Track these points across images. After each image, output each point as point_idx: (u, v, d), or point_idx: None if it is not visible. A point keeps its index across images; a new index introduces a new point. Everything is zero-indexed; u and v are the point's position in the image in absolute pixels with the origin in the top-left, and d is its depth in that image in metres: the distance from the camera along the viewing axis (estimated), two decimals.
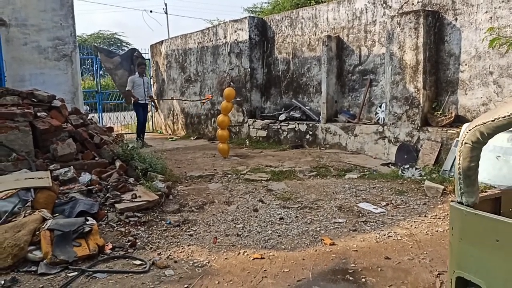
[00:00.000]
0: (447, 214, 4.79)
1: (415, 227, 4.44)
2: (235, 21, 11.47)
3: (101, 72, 15.62)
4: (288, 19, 10.51)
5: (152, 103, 12.25)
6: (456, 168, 1.68)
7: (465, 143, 1.61)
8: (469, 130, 1.60)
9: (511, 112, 1.45)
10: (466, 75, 7.08)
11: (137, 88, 10.96)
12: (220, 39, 11.97)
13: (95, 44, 29.90)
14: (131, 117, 15.25)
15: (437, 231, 4.33)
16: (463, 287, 1.68)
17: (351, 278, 3.31)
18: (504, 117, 1.46)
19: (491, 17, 6.63)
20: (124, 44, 38.49)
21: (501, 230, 1.52)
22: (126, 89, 10.95)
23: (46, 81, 7.98)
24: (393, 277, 3.31)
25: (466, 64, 7.08)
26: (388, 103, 7.89)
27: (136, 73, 11.34)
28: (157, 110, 13.98)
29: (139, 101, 11.02)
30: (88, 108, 14.38)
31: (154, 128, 15.78)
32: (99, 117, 14.15)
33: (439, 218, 4.73)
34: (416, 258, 3.65)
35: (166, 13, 35.55)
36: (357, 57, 9.02)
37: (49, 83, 7.90)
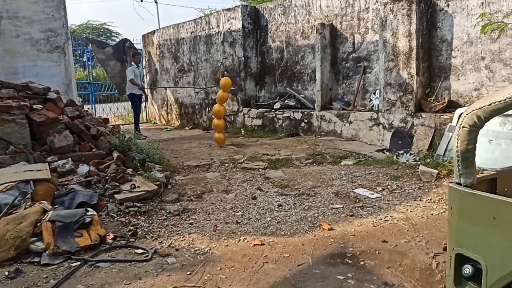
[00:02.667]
0: (442, 198, 4.90)
1: (410, 211, 4.53)
2: (228, 9, 11.43)
3: (90, 63, 15.47)
4: (281, 7, 10.49)
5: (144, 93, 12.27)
6: (454, 151, 1.75)
7: (463, 126, 1.68)
8: (467, 114, 1.67)
9: (507, 96, 1.51)
10: (459, 61, 7.15)
11: (136, 79, 11.02)
12: (213, 28, 11.93)
13: (85, 34, 29.61)
14: (124, 108, 15.21)
15: (432, 214, 4.42)
16: (462, 263, 1.76)
17: (350, 262, 3.39)
18: (500, 101, 1.53)
19: (482, 3, 6.69)
20: (113, 34, 38.12)
21: (498, 208, 1.60)
22: (129, 78, 10.91)
23: (39, 73, 7.92)
24: (390, 260, 3.39)
25: (458, 50, 7.14)
26: (382, 90, 7.95)
27: (133, 63, 11.32)
28: (146, 100, 14.00)
29: (137, 92, 11.05)
30: (81, 100, 14.31)
31: (148, 118, 15.75)
32: (92, 109, 14.10)
33: (434, 201, 4.82)
34: (413, 241, 3.74)
35: (156, 1, 35.21)
36: (351, 45, 9.05)
37: (42, 75, 7.84)
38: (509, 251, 1.56)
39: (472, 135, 1.67)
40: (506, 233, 1.57)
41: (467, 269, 1.73)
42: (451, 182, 1.79)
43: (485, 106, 1.59)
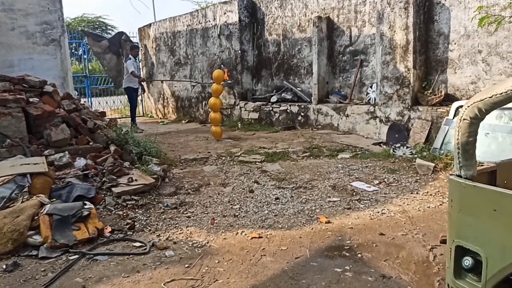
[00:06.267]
0: (438, 191, 4.92)
1: (407, 204, 4.55)
2: (224, 2, 11.36)
3: (85, 56, 15.37)
4: (277, 0, 10.45)
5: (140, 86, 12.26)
6: (454, 143, 1.75)
7: (464, 119, 1.68)
8: (468, 106, 1.67)
9: (508, 89, 1.51)
10: (455, 54, 7.15)
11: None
12: (209, 21, 11.87)
13: (80, 27, 29.36)
14: (120, 101, 15.14)
15: (429, 207, 4.44)
16: (462, 255, 1.77)
17: (347, 254, 3.40)
18: (501, 93, 1.53)
19: None
20: (109, 27, 37.78)
21: (498, 200, 1.61)
22: (131, 71, 10.86)
23: (35, 66, 7.86)
24: (387, 252, 3.41)
25: (455, 43, 7.14)
26: (379, 83, 7.95)
27: (131, 56, 11.28)
28: (144, 92, 13.98)
29: (134, 86, 11.03)
30: (77, 93, 14.22)
31: (144, 112, 15.70)
32: (88, 102, 14.01)
33: (431, 194, 4.84)
34: (410, 234, 3.76)
35: None
36: (348, 38, 9.03)
37: (38, 69, 7.78)
38: (509, 243, 1.57)
39: (473, 127, 1.68)
40: (506, 225, 1.58)
41: (467, 261, 1.74)
42: (451, 175, 1.80)
43: (486, 98, 1.60)
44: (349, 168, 6.04)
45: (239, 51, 10.99)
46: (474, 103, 1.64)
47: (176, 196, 5.01)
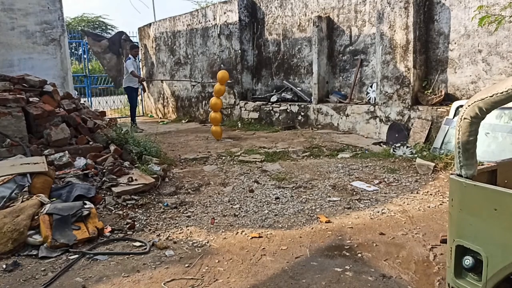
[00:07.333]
0: (439, 191, 4.91)
1: (407, 204, 4.55)
2: (224, 2, 11.36)
3: (85, 56, 15.37)
4: (277, 0, 10.45)
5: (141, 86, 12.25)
6: (455, 143, 1.75)
7: (464, 118, 1.68)
8: (468, 105, 1.67)
9: (509, 88, 1.51)
10: (456, 54, 7.15)
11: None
12: (209, 21, 11.87)
13: (80, 27, 29.36)
14: (120, 101, 15.14)
15: (429, 207, 4.43)
16: (463, 254, 1.77)
17: (347, 254, 3.40)
18: (502, 92, 1.53)
19: None
20: (109, 27, 37.78)
21: (499, 200, 1.61)
22: (130, 70, 10.85)
23: (35, 66, 7.86)
24: (388, 252, 3.40)
25: (455, 43, 7.14)
26: (379, 83, 7.95)
27: (130, 56, 11.27)
28: (144, 91, 13.99)
29: (134, 86, 11.02)
30: (77, 93, 14.21)
31: (144, 111, 15.70)
32: (88, 102, 14.00)
33: (431, 194, 4.84)
34: (410, 233, 3.75)
35: None
36: (348, 38, 9.03)
37: (38, 68, 7.79)
38: (510, 242, 1.57)
39: (473, 126, 1.68)
40: (507, 224, 1.58)
41: (468, 261, 1.74)
42: (452, 174, 1.80)
43: (486, 97, 1.59)
44: (349, 167, 6.03)
45: (239, 51, 10.98)
46: (474, 102, 1.64)
47: (176, 196, 5.01)
